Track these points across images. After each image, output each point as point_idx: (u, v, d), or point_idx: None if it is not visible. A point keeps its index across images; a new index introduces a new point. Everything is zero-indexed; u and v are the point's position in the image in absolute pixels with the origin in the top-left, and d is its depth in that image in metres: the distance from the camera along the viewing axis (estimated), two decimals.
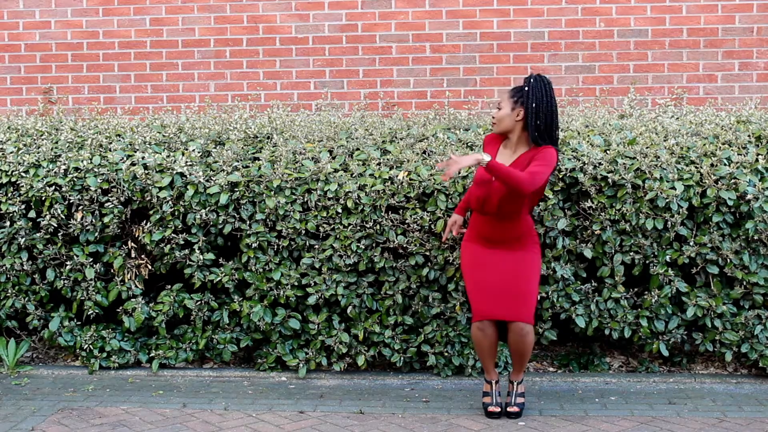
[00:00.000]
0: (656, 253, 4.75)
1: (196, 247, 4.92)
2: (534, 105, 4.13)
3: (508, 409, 4.31)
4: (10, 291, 5.09)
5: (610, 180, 4.69)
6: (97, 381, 4.95)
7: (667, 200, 4.62)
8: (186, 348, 5.06)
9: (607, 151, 4.80)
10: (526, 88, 4.16)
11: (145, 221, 5.00)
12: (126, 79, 6.78)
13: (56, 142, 5.24)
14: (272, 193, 4.86)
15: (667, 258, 4.74)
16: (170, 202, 4.89)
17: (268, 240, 4.89)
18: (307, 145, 5.07)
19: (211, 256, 4.94)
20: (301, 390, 4.78)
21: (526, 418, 4.30)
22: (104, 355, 5.07)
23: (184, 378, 5.01)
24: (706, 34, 6.47)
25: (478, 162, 4.02)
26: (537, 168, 4.06)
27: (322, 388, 4.81)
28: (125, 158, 5.05)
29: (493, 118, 4.26)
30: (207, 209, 4.88)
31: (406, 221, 4.78)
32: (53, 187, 4.98)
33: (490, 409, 4.31)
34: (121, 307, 5.06)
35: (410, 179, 4.80)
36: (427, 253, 4.82)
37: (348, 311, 4.90)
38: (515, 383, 4.36)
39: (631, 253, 4.74)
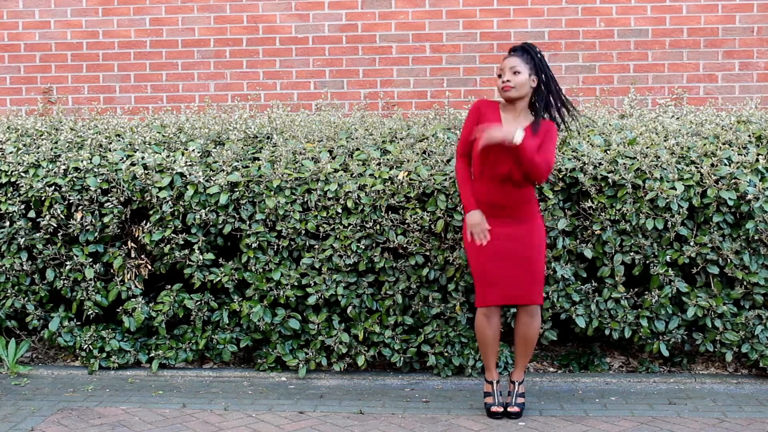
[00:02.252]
0: (656, 253, 4.75)
1: (195, 247, 4.92)
2: (544, 75, 4.15)
3: (509, 409, 4.30)
4: (9, 291, 5.09)
5: (610, 180, 4.69)
6: (97, 381, 4.94)
7: (668, 200, 4.62)
8: (186, 348, 5.06)
9: (608, 151, 4.80)
10: (539, 56, 4.14)
11: (144, 221, 4.99)
12: (126, 79, 6.77)
13: (56, 142, 5.23)
14: (272, 193, 4.85)
15: (668, 258, 4.73)
16: (170, 202, 4.89)
17: (268, 240, 4.88)
18: (307, 145, 5.07)
19: (210, 256, 4.93)
20: (301, 390, 4.77)
21: (526, 418, 4.29)
22: (104, 355, 5.07)
23: (183, 378, 5.00)
24: (707, 34, 6.47)
25: (507, 140, 3.90)
26: (550, 155, 4.06)
27: (322, 388, 4.81)
28: (125, 158, 5.04)
29: (508, 81, 4.09)
30: (207, 209, 4.88)
31: (406, 221, 4.78)
32: (53, 187, 4.98)
33: (493, 409, 4.29)
34: (120, 307, 5.06)
35: (410, 179, 4.79)
36: (427, 253, 4.82)
37: (348, 311, 4.90)
38: (516, 383, 4.36)
39: (632, 253, 4.74)
